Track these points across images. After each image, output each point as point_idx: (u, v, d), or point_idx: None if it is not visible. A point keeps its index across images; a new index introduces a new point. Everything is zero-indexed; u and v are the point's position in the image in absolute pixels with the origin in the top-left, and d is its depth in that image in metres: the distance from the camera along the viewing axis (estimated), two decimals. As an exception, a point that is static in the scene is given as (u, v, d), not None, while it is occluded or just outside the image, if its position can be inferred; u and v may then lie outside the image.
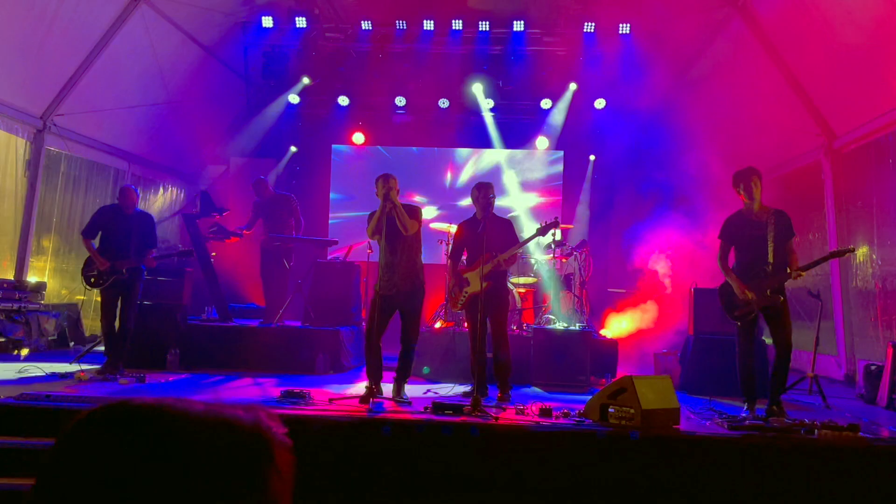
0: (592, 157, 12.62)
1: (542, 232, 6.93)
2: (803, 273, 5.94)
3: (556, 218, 6.99)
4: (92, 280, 7.37)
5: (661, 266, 10.96)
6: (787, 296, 6.13)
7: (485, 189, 6.82)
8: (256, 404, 0.93)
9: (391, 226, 6.35)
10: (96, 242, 7.46)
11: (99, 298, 7.76)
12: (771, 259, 5.99)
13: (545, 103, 12.23)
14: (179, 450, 0.80)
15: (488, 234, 6.58)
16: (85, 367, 7.42)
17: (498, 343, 6.81)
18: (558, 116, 12.36)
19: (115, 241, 7.38)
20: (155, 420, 0.82)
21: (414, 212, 6.54)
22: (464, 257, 7.14)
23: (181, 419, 0.83)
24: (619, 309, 10.30)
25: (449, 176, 13.14)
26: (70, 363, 7.79)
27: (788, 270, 5.98)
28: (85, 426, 0.83)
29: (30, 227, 9.50)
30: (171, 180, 12.94)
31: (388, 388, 6.43)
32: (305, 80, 12.00)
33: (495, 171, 12.84)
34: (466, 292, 6.88)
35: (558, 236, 9.39)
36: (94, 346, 8.58)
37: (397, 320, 6.61)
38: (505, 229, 6.90)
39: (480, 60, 11.86)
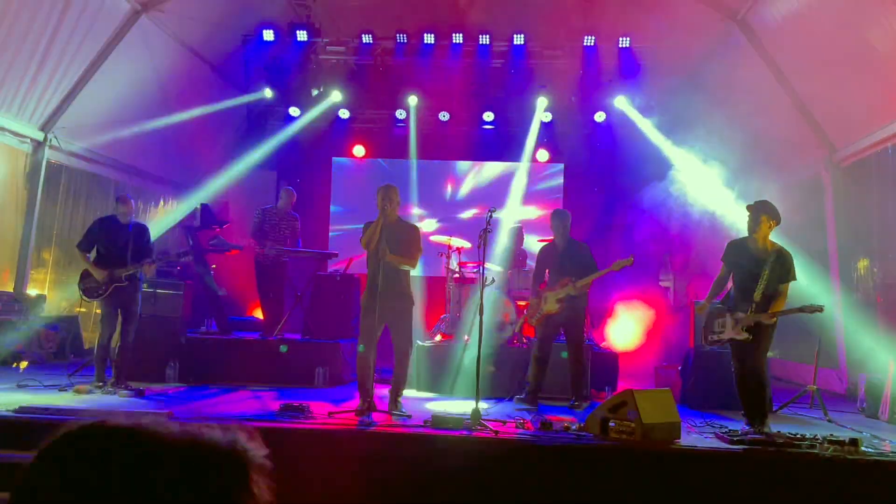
0: (594, 170, 12.65)
1: (617, 268, 7.20)
2: (775, 318, 5.88)
3: (631, 256, 7.14)
4: (90, 292, 7.26)
5: (663, 280, 10.97)
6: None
7: (561, 217, 7.44)
8: (237, 423, 0.92)
9: (389, 237, 6.31)
10: (92, 255, 7.35)
11: (99, 311, 7.69)
12: (757, 298, 5.88)
13: (545, 116, 12.25)
14: (152, 472, 0.80)
15: (569, 258, 7.29)
16: (83, 380, 7.38)
17: (575, 355, 7.29)
18: (558, 129, 12.40)
19: (113, 252, 7.26)
20: (129, 442, 0.82)
21: (414, 238, 6.53)
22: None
23: (156, 441, 0.82)
24: (621, 322, 10.28)
25: (449, 188, 13.16)
26: (68, 375, 7.75)
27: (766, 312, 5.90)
28: (60, 446, 0.82)
29: (30, 239, 9.50)
30: (171, 193, 12.95)
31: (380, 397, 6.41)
32: (314, 92, 12.06)
33: (495, 184, 12.87)
34: (542, 310, 7.25)
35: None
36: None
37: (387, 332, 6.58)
38: (583, 254, 7.40)
39: (481, 73, 11.89)
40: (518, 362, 7.84)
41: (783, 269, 5.96)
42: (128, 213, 7.43)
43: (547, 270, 7.49)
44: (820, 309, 5.85)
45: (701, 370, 7.69)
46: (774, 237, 6.17)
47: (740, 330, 5.90)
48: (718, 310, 6.20)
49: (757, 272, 5.96)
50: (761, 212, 6.07)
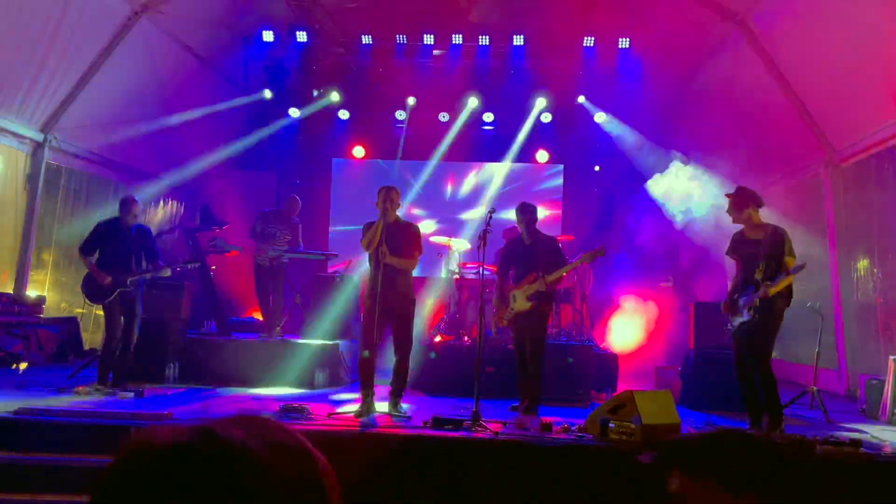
0: (598, 168, 12.65)
1: (588, 259, 7.01)
2: (772, 289, 5.84)
3: (601, 245, 7.00)
4: (94, 296, 7.16)
5: (662, 280, 10.96)
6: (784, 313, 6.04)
7: (525, 212, 7.13)
8: (294, 428, 0.89)
9: (389, 238, 6.30)
10: (94, 258, 7.25)
11: (100, 312, 7.65)
12: (760, 277, 5.90)
13: (545, 117, 12.25)
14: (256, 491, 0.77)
15: (536, 253, 6.94)
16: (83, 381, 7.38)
17: (533, 359, 6.91)
18: (558, 129, 12.40)
19: (117, 255, 7.17)
20: (233, 469, 0.77)
21: (414, 237, 6.50)
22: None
23: (262, 466, 0.79)
24: (621, 323, 10.27)
25: (449, 189, 13.16)
26: (68, 377, 7.75)
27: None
28: (136, 464, 0.78)
29: (30, 240, 9.49)
30: (171, 194, 12.92)
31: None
32: (315, 92, 12.09)
33: (496, 185, 12.86)
34: (512, 309, 7.00)
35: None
36: (93, 360, 8.53)
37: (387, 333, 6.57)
38: (551, 248, 7.11)
39: (480, 74, 11.89)
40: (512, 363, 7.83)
41: (778, 244, 5.96)
42: (133, 214, 7.37)
43: (513, 268, 7.22)
44: (803, 265, 5.83)
45: (701, 371, 7.69)
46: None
47: (747, 310, 5.92)
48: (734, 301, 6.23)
49: (755, 253, 6.00)
50: (740, 197, 6.12)
